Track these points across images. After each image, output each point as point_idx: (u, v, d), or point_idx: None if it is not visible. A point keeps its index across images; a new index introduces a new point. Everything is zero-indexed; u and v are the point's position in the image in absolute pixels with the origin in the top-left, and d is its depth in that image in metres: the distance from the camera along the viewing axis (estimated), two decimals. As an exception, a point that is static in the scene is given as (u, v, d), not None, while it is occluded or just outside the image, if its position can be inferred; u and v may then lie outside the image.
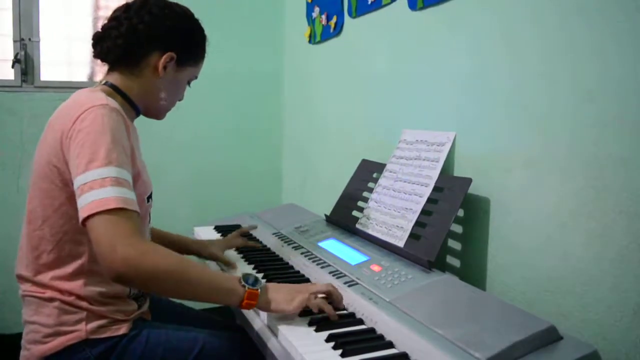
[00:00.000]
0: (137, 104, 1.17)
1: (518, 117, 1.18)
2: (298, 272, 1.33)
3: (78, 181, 0.93)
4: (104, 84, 1.14)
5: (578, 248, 1.04)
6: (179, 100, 1.26)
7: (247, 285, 1.01)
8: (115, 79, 1.15)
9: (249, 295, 1.00)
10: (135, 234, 0.90)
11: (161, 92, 1.18)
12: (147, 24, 1.13)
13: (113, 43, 1.12)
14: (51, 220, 1.04)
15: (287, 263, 1.40)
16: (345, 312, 1.07)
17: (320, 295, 1.05)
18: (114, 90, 1.13)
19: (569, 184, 1.06)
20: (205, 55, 1.25)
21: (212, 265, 1.48)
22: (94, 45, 1.16)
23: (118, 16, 1.14)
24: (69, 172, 0.98)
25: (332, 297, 1.06)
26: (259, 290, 1.01)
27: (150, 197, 1.17)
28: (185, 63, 1.19)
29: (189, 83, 1.26)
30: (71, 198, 0.98)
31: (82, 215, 0.90)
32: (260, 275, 1.30)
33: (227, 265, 1.45)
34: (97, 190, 0.91)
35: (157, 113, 1.24)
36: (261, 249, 1.56)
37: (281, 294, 1.03)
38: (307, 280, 1.26)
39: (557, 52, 1.09)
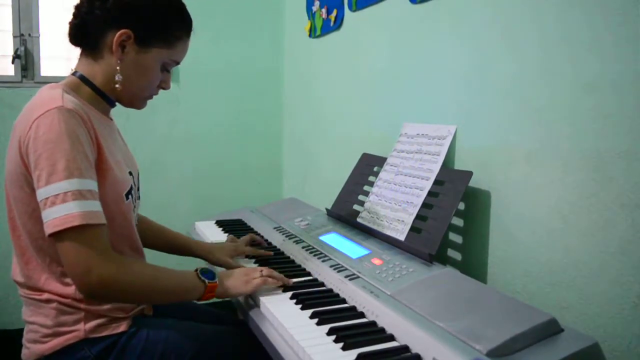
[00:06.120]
0: (106, 93, 1.10)
1: (518, 110, 1.18)
2: (299, 266, 1.33)
3: (40, 194, 0.93)
4: (74, 74, 1.10)
5: (579, 241, 1.04)
6: (164, 89, 1.16)
7: (206, 280, 1.07)
8: (82, 66, 1.10)
9: (209, 289, 1.07)
10: (106, 250, 0.93)
11: (123, 76, 1.07)
12: (103, 1, 1.04)
13: (72, 24, 1.08)
14: (28, 227, 1.02)
15: (289, 257, 1.40)
16: (346, 305, 1.08)
17: (264, 273, 1.14)
18: (82, 80, 1.08)
19: (570, 176, 1.06)
20: (185, 37, 1.12)
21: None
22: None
23: None
24: (32, 178, 0.96)
25: (273, 275, 1.15)
26: (217, 282, 1.09)
27: (130, 192, 1.10)
28: (148, 43, 1.07)
29: (167, 69, 1.13)
30: None
31: (46, 230, 0.92)
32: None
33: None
34: (58, 206, 0.90)
35: (129, 101, 1.14)
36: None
37: (236, 280, 1.12)
38: (309, 274, 1.26)
39: (557, 45, 1.08)
